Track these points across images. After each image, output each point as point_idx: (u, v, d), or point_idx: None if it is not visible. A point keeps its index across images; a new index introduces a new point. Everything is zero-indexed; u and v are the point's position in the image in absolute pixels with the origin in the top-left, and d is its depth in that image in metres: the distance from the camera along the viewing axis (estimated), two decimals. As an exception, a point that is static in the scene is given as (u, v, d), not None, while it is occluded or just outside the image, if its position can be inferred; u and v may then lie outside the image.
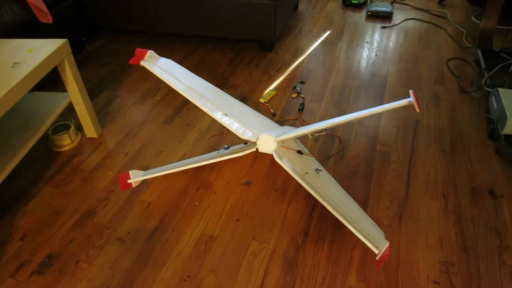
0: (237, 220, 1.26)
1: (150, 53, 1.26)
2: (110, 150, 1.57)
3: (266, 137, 1.26)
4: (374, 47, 2.19)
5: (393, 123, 1.63)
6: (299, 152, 1.36)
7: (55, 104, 1.50)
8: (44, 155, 1.55)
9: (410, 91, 0.94)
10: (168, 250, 1.18)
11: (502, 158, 1.44)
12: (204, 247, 1.19)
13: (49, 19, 1.84)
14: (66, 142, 1.57)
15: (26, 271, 1.14)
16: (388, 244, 1.08)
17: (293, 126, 1.63)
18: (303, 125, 1.62)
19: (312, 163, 1.35)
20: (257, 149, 1.27)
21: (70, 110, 1.77)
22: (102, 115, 1.76)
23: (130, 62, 1.23)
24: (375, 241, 1.08)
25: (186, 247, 1.19)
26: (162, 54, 2.20)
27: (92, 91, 1.93)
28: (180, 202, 1.33)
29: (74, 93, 1.50)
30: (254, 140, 1.26)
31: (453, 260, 1.12)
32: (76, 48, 2.24)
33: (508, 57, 1.85)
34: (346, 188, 1.35)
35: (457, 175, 1.38)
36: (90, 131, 1.62)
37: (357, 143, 1.54)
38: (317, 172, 1.30)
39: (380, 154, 1.49)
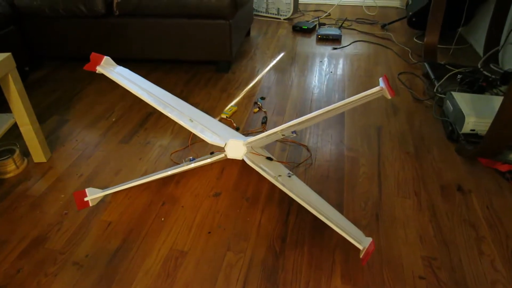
0: (209, 232, 1.17)
1: (106, 59, 1.19)
2: (61, 173, 1.43)
3: (235, 142, 1.21)
4: (328, 65, 2.26)
5: (356, 129, 1.64)
6: (269, 158, 1.31)
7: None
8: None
9: (380, 79, 0.95)
10: (134, 269, 1.06)
11: (464, 157, 1.48)
12: (174, 263, 1.07)
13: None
14: (10, 168, 1.41)
15: (-39, 310, 0.96)
16: (371, 240, 1.04)
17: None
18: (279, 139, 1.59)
19: (282, 169, 1.30)
20: (226, 156, 1.21)
21: (16, 135, 1.62)
22: (51, 139, 1.62)
23: (85, 68, 1.14)
24: (357, 239, 1.04)
25: (154, 264, 1.07)
26: (115, 78, 2.11)
27: (39, 117, 1.78)
28: (144, 219, 1.22)
29: (20, 113, 1.36)
30: (222, 145, 1.20)
31: (434, 255, 1.10)
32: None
33: (453, 68, 1.97)
34: (319, 193, 1.31)
35: (425, 174, 1.40)
36: (38, 155, 1.47)
37: (324, 150, 1.53)
38: (289, 176, 1.25)
39: (348, 159, 1.48)
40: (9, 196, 1.32)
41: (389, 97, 0.93)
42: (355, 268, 1.05)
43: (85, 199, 1.18)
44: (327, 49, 2.49)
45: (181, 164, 1.25)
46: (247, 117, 1.75)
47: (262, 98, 1.89)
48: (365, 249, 1.00)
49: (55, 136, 1.64)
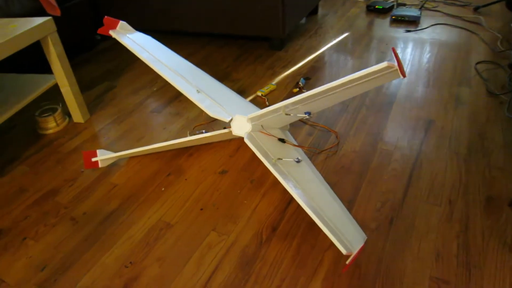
0: (201, 209, 1.12)
1: (122, 24, 1.19)
2: (92, 134, 1.50)
3: (240, 118, 1.13)
4: (392, 49, 2.01)
5: (402, 121, 1.43)
6: (281, 140, 1.21)
7: (40, 85, 1.46)
8: (28, 137, 1.52)
9: (392, 49, 0.78)
10: (118, 234, 1.06)
11: (530, 165, 1.19)
12: (157, 234, 1.05)
13: (57, 12, 1.85)
14: (51, 125, 1.53)
15: (-33, 243, 1.06)
16: (361, 245, 0.89)
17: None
18: (304, 121, 1.47)
19: (295, 153, 1.19)
20: (231, 132, 1.14)
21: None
22: (95, 103, 1.72)
23: (98, 31, 1.16)
24: (348, 242, 0.89)
25: (138, 232, 1.06)
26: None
27: (92, 82, 1.90)
28: (146, 186, 1.22)
29: (59, 74, 1.46)
30: (226, 120, 1.13)
31: (449, 278, 0.90)
32: (88, 46, 2.26)
33: (548, 59, 1.60)
34: (333, 184, 1.17)
35: (471, 180, 1.16)
36: (77, 115, 1.57)
37: (356, 140, 1.36)
38: (296, 162, 1.13)
39: (380, 152, 1.29)
40: (43, 150, 1.43)
41: (401, 77, 0.76)
42: (341, 275, 0.91)
43: (93, 159, 1.22)
44: (399, 31, 2.22)
45: (188, 137, 1.22)
46: (284, 96, 1.64)
47: (307, 79, 1.75)
48: (352, 255, 0.86)
49: (100, 100, 1.74)
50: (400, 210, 1.07)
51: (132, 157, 1.34)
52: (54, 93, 1.69)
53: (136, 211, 1.13)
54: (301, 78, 1.73)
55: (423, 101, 1.55)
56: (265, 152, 1.05)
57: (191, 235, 1.04)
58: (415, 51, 1.97)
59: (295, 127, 1.45)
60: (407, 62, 1.86)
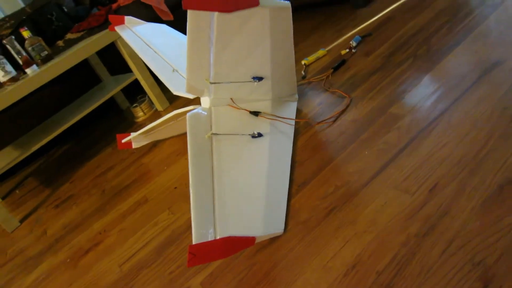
0: (175, 188, 1.14)
1: (129, 18, 1.32)
2: (161, 120, 1.72)
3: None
4: None
5: (451, 68, 0.98)
6: (254, 113, 1.06)
7: (124, 79, 1.79)
8: (123, 125, 1.88)
9: None
10: (113, 207, 1.22)
11: None
12: (134, 208, 1.15)
13: (170, 17, 2.16)
14: (139, 114, 1.84)
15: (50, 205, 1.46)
16: (253, 238, 0.72)
17: (314, 89, 1.26)
18: (325, 88, 1.23)
19: (266, 127, 1.03)
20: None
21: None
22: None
23: (109, 29, 1.32)
24: (225, 230, 0.74)
25: (124, 205, 1.19)
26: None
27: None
28: (157, 166, 1.32)
29: (135, 71, 1.73)
30: (191, 97, 1.10)
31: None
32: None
33: None
34: (301, 162, 0.95)
35: (490, 161, 0.70)
36: (157, 104, 1.82)
37: (368, 104, 1.03)
38: (253, 137, 0.98)
39: (387, 117, 0.95)
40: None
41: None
42: (225, 276, 0.76)
43: (122, 141, 1.41)
44: None
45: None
46: (331, 61, 1.39)
47: (366, 36, 1.42)
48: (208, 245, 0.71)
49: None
50: (351, 199, 0.77)
51: (163, 141, 1.47)
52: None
53: (136, 186, 1.26)
54: (357, 36, 1.41)
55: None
56: (194, 129, 0.96)
57: (150, 211, 1.09)
58: None
59: (310, 93, 1.22)
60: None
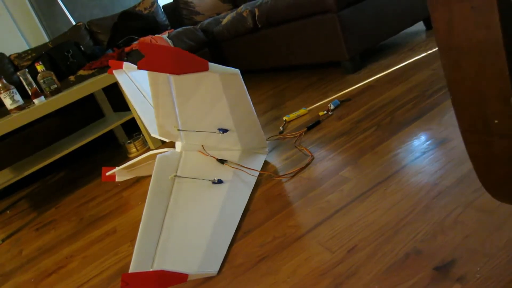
0: (142, 223, 1.21)
1: (126, 64, 1.47)
2: (151, 158, 1.82)
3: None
4: None
5: (409, 138, 1.06)
6: (221, 161, 1.15)
7: (123, 116, 1.93)
8: (117, 159, 2.00)
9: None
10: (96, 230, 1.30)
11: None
12: (103, 237, 1.22)
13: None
14: (133, 150, 1.96)
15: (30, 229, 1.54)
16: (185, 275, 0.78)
17: (286, 144, 1.35)
18: (295, 145, 1.32)
19: (229, 175, 1.11)
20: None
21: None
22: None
23: (108, 72, 1.47)
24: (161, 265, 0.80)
25: (95, 234, 1.27)
26: (257, 84, 2.29)
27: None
28: (133, 200, 1.41)
29: (133, 111, 1.87)
30: (166, 140, 1.20)
31: None
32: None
33: None
34: (253, 211, 1.02)
35: (405, 230, 0.76)
36: (150, 143, 1.94)
37: (327, 164, 1.11)
38: (214, 183, 1.07)
39: (337, 179, 1.02)
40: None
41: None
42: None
43: (107, 173, 1.52)
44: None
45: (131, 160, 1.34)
46: (308, 120, 1.49)
47: (344, 101, 1.52)
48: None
49: (181, 132, 2.06)
50: (282, 250, 0.84)
51: (146, 177, 1.57)
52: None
53: (125, 204, 1.34)
54: (336, 100, 1.52)
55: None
56: (160, 169, 1.05)
57: (119, 242, 1.16)
58: None
59: (282, 149, 1.31)
60: None
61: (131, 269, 0.79)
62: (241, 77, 0.91)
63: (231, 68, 0.87)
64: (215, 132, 1.08)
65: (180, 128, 1.05)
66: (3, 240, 1.55)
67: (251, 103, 1.06)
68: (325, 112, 1.49)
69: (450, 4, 0.42)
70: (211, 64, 0.81)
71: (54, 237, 1.39)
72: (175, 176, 1.05)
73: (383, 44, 2.17)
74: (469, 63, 0.44)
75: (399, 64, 1.72)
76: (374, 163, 1.03)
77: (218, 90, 0.90)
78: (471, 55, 0.43)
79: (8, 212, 1.88)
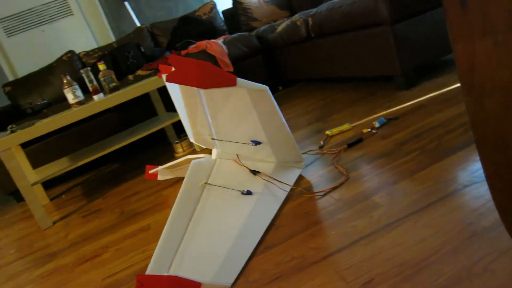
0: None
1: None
2: (195, 159, 1.88)
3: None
4: None
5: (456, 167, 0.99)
6: (253, 172, 1.16)
7: (174, 117, 2.00)
8: (164, 157, 2.08)
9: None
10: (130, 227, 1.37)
11: None
12: (136, 233, 1.28)
13: (230, 68, 2.40)
14: (179, 150, 2.03)
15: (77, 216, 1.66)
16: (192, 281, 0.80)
17: (324, 160, 1.32)
18: (333, 162, 1.29)
19: (259, 187, 1.11)
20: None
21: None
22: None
23: (158, 75, 1.54)
24: (177, 272, 0.83)
25: (130, 229, 1.33)
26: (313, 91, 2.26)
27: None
28: (171, 199, 1.46)
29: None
30: (203, 147, 1.23)
31: None
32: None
33: None
34: (278, 226, 1.01)
35: (426, 271, 0.71)
36: (196, 145, 2.00)
37: (359, 186, 1.07)
38: (242, 194, 1.08)
39: (367, 203, 0.98)
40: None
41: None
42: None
43: (150, 171, 1.58)
44: None
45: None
46: (351, 136, 1.45)
47: (392, 119, 1.45)
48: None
49: (227, 135, 2.10)
50: (298, 272, 0.82)
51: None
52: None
53: (149, 209, 1.40)
54: (382, 118, 1.45)
55: None
56: (192, 173, 1.08)
57: (150, 239, 1.21)
58: None
59: (318, 164, 1.28)
60: None
61: (148, 271, 0.81)
62: (270, 93, 0.91)
63: (260, 84, 0.87)
64: (247, 144, 1.08)
65: (214, 137, 1.07)
66: (54, 222, 1.68)
67: (283, 118, 1.05)
68: (369, 129, 1.43)
69: (473, 38, 0.38)
70: (239, 80, 0.81)
71: (97, 225, 1.48)
72: (206, 183, 1.07)
73: (442, 61, 2.04)
74: (492, 104, 0.39)
75: (456, 83, 1.61)
76: (410, 191, 0.97)
77: (247, 104, 0.90)
78: (494, 95, 0.39)
79: (63, 196, 2.04)
